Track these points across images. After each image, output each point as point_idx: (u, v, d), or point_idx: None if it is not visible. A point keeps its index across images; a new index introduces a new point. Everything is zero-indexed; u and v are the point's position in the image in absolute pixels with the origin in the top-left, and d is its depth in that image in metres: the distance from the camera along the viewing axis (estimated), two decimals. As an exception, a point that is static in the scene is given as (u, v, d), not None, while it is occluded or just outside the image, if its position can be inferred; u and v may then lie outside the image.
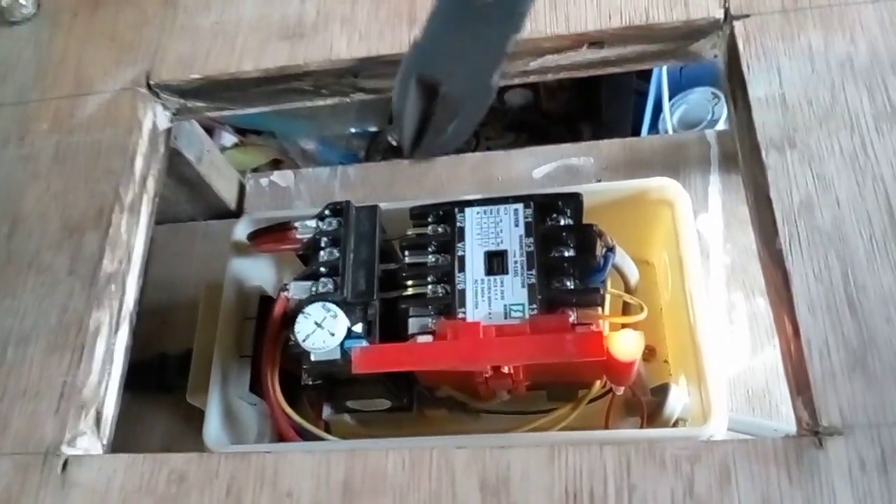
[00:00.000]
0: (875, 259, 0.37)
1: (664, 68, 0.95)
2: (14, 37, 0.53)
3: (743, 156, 0.43)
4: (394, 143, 1.30)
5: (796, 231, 0.38)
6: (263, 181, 0.79)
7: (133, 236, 0.47)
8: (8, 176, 0.48)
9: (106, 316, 0.44)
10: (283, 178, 0.78)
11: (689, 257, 0.56)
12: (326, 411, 0.59)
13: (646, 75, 1.01)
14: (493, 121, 1.29)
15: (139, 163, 0.48)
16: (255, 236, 0.57)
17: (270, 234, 0.55)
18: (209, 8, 0.51)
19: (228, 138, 1.26)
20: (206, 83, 0.50)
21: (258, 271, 0.62)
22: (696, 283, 0.55)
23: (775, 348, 0.64)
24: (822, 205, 0.39)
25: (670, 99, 0.98)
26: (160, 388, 0.68)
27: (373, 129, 1.28)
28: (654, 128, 1.00)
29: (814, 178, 0.39)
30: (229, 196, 0.76)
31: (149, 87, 0.50)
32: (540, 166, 0.73)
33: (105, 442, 0.43)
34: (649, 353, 0.64)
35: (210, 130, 1.17)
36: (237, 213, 0.77)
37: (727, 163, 0.70)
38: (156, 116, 0.50)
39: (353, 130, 1.26)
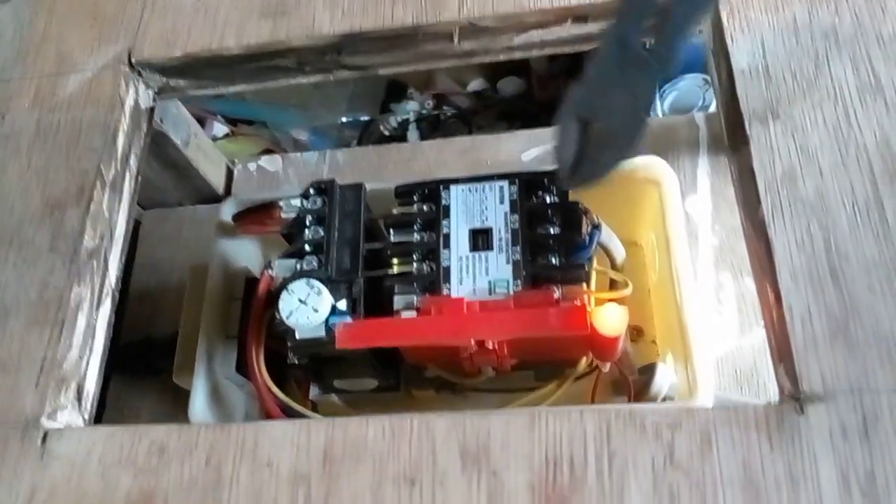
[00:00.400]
0: (858, 228, 0.37)
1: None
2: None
3: (727, 128, 0.43)
4: (386, 133, 1.30)
5: (779, 201, 0.38)
6: (251, 166, 0.78)
7: (115, 214, 0.47)
8: (-11, 153, 0.48)
9: (87, 292, 0.44)
10: (271, 162, 0.78)
11: (675, 235, 0.56)
12: (314, 392, 0.59)
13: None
14: (485, 109, 1.29)
15: (121, 140, 0.48)
16: (240, 217, 0.56)
17: (255, 214, 0.55)
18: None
19: (220, 128, 1.26)
20: (189, 61, 0.49)
21: (244, 253, 0.62)
22: (683, 260, 0.55)
23: (762, 328, 0.65)
24: (806, 175, 0.38)
25: (661, 86, 0.98)
26: (148, 370, 0.68)
27: (365, 118, 1.28)
28: (644, 115, 1.00)
29: (797, 149, 0.39)
30: (217, 181, 0.76)
31: (130, 65, 0.49)
32: (529, 149, 0.73)
33: (87, 417, 0.42)
34: (637, 334, 0.64)
35: (202, 121, 1.17)
36: (225, 198, 0.77)
37: (716, 145, 0.70)
38: (138, 95, 0.50)
39: (344, 120, 1.26)
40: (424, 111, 1.32)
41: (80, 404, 0.42)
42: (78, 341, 0.42)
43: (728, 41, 0.42)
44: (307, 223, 0.51)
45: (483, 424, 0.36)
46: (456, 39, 0.48)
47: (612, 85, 0.31)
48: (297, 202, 0.52)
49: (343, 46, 0.48)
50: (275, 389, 0.53)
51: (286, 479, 0.36)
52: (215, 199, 0.76)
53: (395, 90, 1.29)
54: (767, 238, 0.37)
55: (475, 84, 1.32)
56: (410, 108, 1.30)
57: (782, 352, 0.36)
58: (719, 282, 0.67)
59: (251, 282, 0.60)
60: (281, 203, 0.52)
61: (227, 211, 0.58)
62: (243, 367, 0.57)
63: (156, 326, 0.71)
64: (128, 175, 0.48)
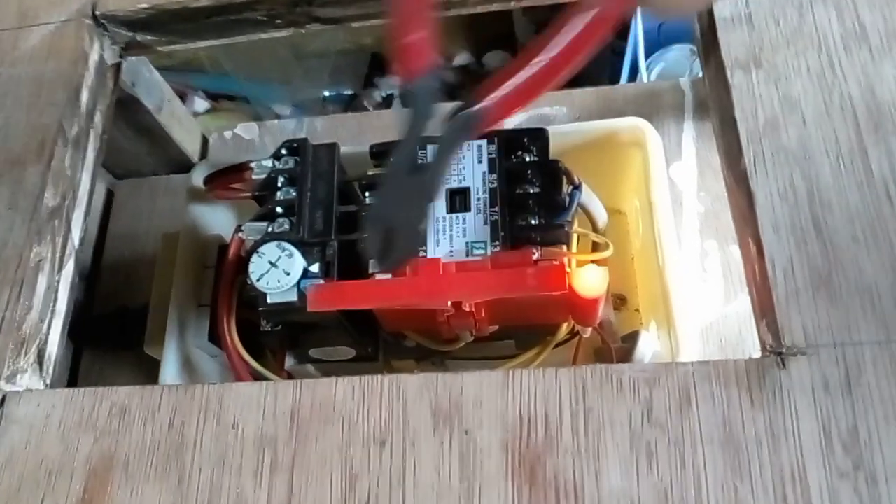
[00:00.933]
0: (841, 177, 0.36)
1: (639, 25, 0.93)
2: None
3: (709, 77, 0.41)
4: (369, 108, 1.28)
5: (761, 150, 0.37)
6: (227, 134, 0.76)
7: (78, 172, 0.45)
8: (-54, 109, 0.46)
9: (48, 251, 0.42)
10: (247, 130, 0.76)
11: (659, 200, 0.55)
12: (289, 362, 0.58)
13: (623, 33, 0.99)
14: (471, 83, 1.27)
15: (85, 96, 0.46)
16: (211, 179, 0.55)
17: (226, 176, 0.53)
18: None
19: (201, 104, 1.24)
20: (155, 13, 0.47)
21: (217, 220, 0.60)
22: (668, 227, 0.54)
23: (748, 296, 0.64)
24: (788, 124, 0.37)
25: (647, 57, 0.97)
26: (121, 343, 0.66)
27: (348, 92, 1.26)
28: (631, 85, 0.98)
29: (780, 98, 0.38)
30: (192, 149, 0.74)
31: (94, 18, 0.48)
32: (511, 116, 0.71)
33: (48, 382, 0.41)
34: (620, 302, 0.63)
35: (182, 96, 1.15)
36: (202, 168, 0.75)
37: (701, 111, 0.69)
38: (103, 50, 0.48)
39: (327, 94, 1.24)
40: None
41: (41, 368, 0.41)
42: (38, 303, 0.41)
43: (711, -11, 0.41)
44: (279, 184, 0.49)
45: (455, 383, 0.35)
46: (437, -11, 0.46)
47: (400, 198, 0.39)
48: (268, 163, 0.50)
49: (313, -1, 0.47)
50: (246, 357, 0.52)
51: (252, 441, 0.35)
52: (190, 167, 0.74)
53: (379, 64, 1.27)
54: (749, 189, 0.36)
55: (461, 58, 1.30)
56: (395, 82, 1.29)
57: (764, 306, 0.35)
58: (704, 250, 0.66)
59: (224, 249, 0.58)
60: (252, 164, 0.51)
61: (198, 175, 0.57)
62: (216, 336, 0.55)
63: (130, 298, 0.69)
64: (92, 133, 0.47)
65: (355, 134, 0.73)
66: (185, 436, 0.35)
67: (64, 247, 0.43)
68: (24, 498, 0.35)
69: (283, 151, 0.50)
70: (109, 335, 0.67)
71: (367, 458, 0.34)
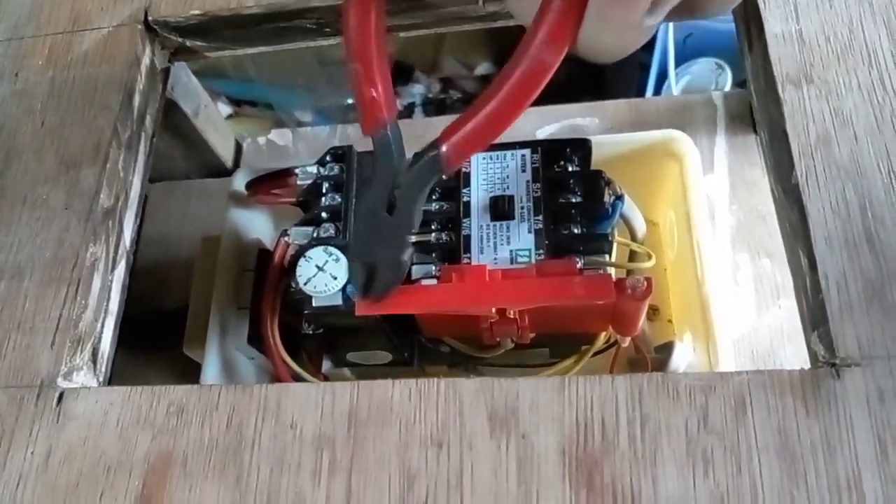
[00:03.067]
0: (893, 192, 0.36)
1: (670, 37, 0.94)
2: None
3: (757, 93, 0.42)
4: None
5: (813, 165, 0.37)
6: (261, 140, 0.77)
7: (130, 174, 0.46)
8: (3, 111, 0.47)
9: (102, 251, 0.43)
10: (280, 136, 0.77)
11: (697, 211, 0.55)
12: (326, 365, 0.58)
13: (649, 47, 1.00)
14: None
15: (137, 100, 0.47)
16: (253, 184, 0.56)
17: (270, 182, 0.54)
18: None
19: (224, 109, 1.25)
20: (206, 20, 0.48)
21: (256, 224, 0.61)
22: (705, 237, 0.55)
23: (780, 309, 0.64)
24: (840, 139, 0.38)
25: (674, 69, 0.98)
26: (155, 344, 0.67)
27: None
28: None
29: (831, 113, 0.38)
30: (226, 154, 0.75)
31: (146, 23, 0.48)
32: (542, 126, 0.72)
33: (102, 378, 0.42)
34: (653, 313, 0.63)
35: (205, 100, 1.16)
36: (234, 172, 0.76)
37: (733, 124, 0.69)
38: (154, 54, 0.49)
39: (349, 101, 1.25)
40: (431, 94, 1.31)
41: (95, 366, 0.41)
42: (93, 302, 0.42)
43: (760, 5, 0.42)
44: (324, 190, 0.50)
45: (511, 388, 0.35)
46: (482, 2, 0.47)
47: (377, 238, 0.43)
48: (313, 169, 0.51)
49: (365, 8, 0.47)
50: (288, 359, 0.53)
51: (310, 441, 0.35)
52: (224, 172, 0.75)
53: (402, 72, 1.28)
54: (801, 203, 0.37)
55: (483, 67, 1.31)
56: (417, 91, 1.29)
57: (816, 318, 0.35)
58: (736, 262, 0.67)
59: (263, 253, 0.59)
60: (297, 170, 0.51)
61: (239, 180, 0.57)
62: (255, 339, 0.56)
63: (164, 300, 0.70)
64: (143, 136, 0.47)
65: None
66: (243, 435, 0.36)
67: (117, 247, 0.44)
68: (83, 493, 0.36)
69: (328, 158, 0.51)
70: (143, 337, 0.68)
71: (424, 460, 0.34)
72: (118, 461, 0.36)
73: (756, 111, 0.43)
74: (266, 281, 0.53)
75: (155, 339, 0.68)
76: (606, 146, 0.57)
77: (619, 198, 0.49)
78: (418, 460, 0.34)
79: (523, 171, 0.49)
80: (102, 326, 0.42)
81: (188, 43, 0.50)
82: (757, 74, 0.42)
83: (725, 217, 0.67)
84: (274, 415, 0.36)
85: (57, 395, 0.38)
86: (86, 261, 0.42)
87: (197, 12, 0.48)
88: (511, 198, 0.48)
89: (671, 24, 0.86)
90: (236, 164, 0.77)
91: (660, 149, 0.57)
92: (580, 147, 0.49)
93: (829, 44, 0.40)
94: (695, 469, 0.32)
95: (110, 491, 0.36)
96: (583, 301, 0.43)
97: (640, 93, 1.00)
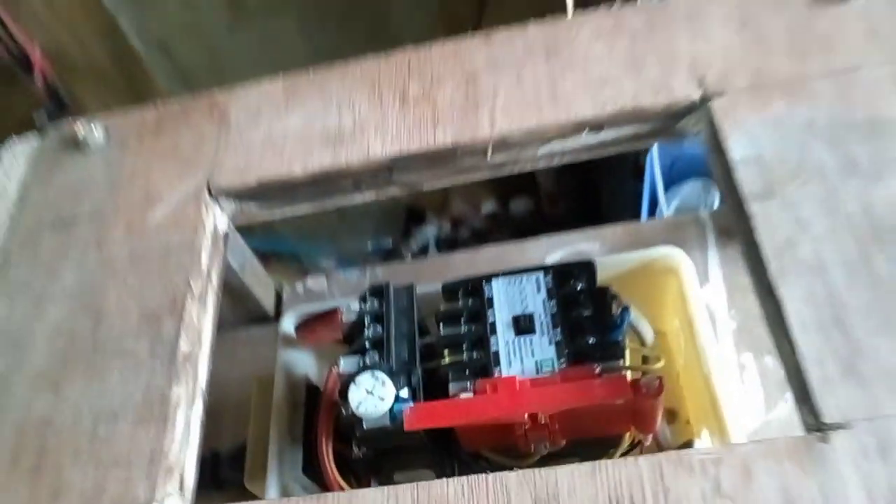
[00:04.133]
0: (853, 281, 0.43)
1: (656, 166, 1.04)
2: (89, 162, 0.61)
3: (731, 208, 0.50)
4: (407, 256, 1.38)
5: (782, 265, 0.44)
6: (298, 287, 0.85)
7: (203, 321, 0.53)
8: (91, 278, 0.55)
9: (183, 391, 0.49)
10: (316, 282, 0.85)
11: (697, 318, 0.62)
12: (373, 486, 0.63)
13: (639, 174, 1.10)
14: (498, 229, 1.38)
15: (204, 258, 0.55)
16: (302, 326, 0.63)
17: (318, 321, 0.61)
18: (258, 124, 0.59)
19: (253, 263, 1.34)
20: (260, 187, 0.57)
21: (302, 363, 0.68)
22: (708, 339, 0.61)
23: (787, 402, 0.69)
24: (803, 241, 0.45)
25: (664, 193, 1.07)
26: (214, 484, 0.72)
27: (388, 245, 1.36)
28: (651, 221, 1.07)
29: (794, 221, 0.46)
30: (268, 303, 0.82)
31: (209, 193, 0.57)
32: (551, 252, 0.80)
33: (187, 504, 0.47)
34: (671, 417, 0.69)
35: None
36: (274, 319, 0.83)
37: (723, 237, 0.77)
38: (216, 219, 0.57)
39: (370, 248, 1.34)
40: (442, 234, 1.40)
41: (182, 492, 0.47)
42: (179, 435, 0.48)
43: (723, 139, 0.50)
44: (366, 323, 0.57)
45: (551, 476, 0.41)
46: (489, 154, 0.56)
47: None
48: (356, 306, 0.58)
49: (394, 167, 0.56)
50: (342, 481, 0.58)
51: (379, 538, 0.41)
52: (265, 319, 0.83)
53: (414, 216, 1.39)
54: (776, 298, 0.43)
55: (488, 206, 1.41)
56: (429, 232, 1.39)
57: (802, 392, 0.41)
58: (741, 363, 0.72)
59: (311, 388, 0.65)
60: (342, 308, 0.59)
61: (288, 323, 0.65)
62: (308, 468, 0.61)
63: (217, 440, 0.76)
64: (210, 289, 0.55)
65: (414, 278, 0.81)
66: (320, 538, 0.41)
67: (194, 388, 0.51)
68: None
69: (368, 294, 0.59)
70: (203, 477, 0.72)
71: (480, 546, 0.39)
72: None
73: (733, 225, 0.50)
74: (318, 412, 0.59)
75: (213, 480, 0.73)
76: (609, 265, 0.65)
77: (626, 309, 0.56)
78: (475, 545, 0.39)
79: (538, 291, 0.56)
80: (186, 458, 0.48)
81: (244, 207, 0.59)
82: (729, 194, 0.50)
83: (726, 321, 0.73)
84: (346, 518, 0.42)
85: (153, 518, 0.44)
86: (171, 399, 0.48)
87: (253, 182, 0.57)
88: (531, 315, 0.55)
89: (655, 155, 0.96)
90: (277, 311, 0.84)
91: (658, 264, 0.64)
92: (586, 268, 0.57)
93: (784, 164, 0.48)
94: (714, 530, 0.37)
95: None
96: (603, 401, 0.49)
97: (636, 216, 1.09)
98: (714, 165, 0.52)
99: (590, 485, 0.40)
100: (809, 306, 0.43)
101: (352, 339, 0.58)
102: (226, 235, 0.59)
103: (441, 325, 0.57)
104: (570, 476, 0.40)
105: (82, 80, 1.20)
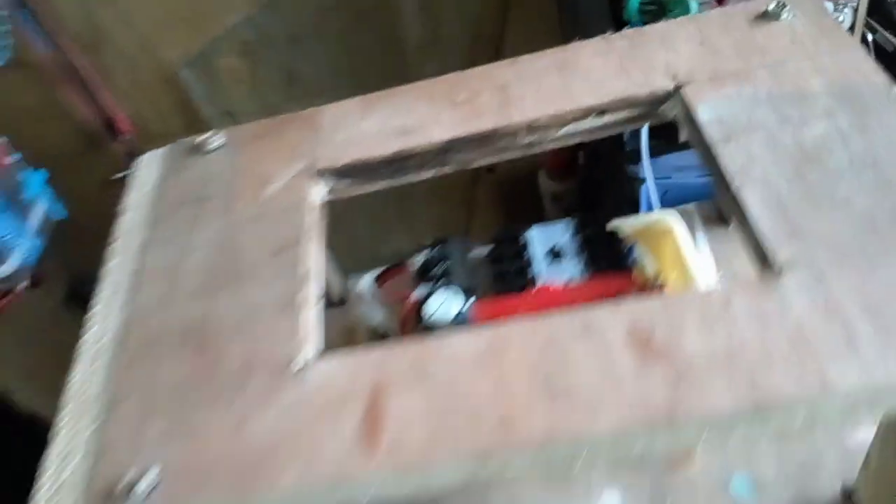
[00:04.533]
0: (791, 187, 0.61)
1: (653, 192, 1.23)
2: (212, 160, 0.80)
3: (702, 155, 0.68)
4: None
5: (742, 181, 0.63)
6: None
7: (313, 254, 0.70)
8: (224, 232, 0.71)
9: (305, 295, 0.66)
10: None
11: (692, 265, 0.79)
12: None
13: (634, 204, 1.29)
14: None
15: (311, 216, 0.72)
16: (379, 277, 0.80)
17: (392, 272, 0.79)
18: (343, 128, 0.78)
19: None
20: (349, 168, 0.75)
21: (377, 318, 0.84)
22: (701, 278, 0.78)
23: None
24: (755, 167, 0.63)
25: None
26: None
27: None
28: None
29: (747, 155, 0.65)
30: (339, 290, 0.99)
31: (311, 174, 0.76)
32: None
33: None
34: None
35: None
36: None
37: (708, 225, 0.95)
38: (317, 191, 0.76)
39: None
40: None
41: (314, 356, 0.62)
42: (308, 322, 0.64)
43: (693, 111, 0.69)
44: (433, 262, 0.74)
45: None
46: (521, 136, 0.75)
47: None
48: (423, 254, 0.76)
49: (449, 148, 0.75)
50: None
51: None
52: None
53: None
54: (739, 200, 0.61)
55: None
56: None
57: (760, 252, 0.59)
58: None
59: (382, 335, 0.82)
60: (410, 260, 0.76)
61: (366, 281, 0.82)
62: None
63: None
64: (315, 236, 0.72)
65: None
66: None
67: (312, 294, 0.67)
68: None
69: (432, 245, 0.76)
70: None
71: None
72: (345, 396, 0.57)
73: (702, 158, 0.69)
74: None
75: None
76: (615, 229, 0.83)
77: (633, 245, 0.74)
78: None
79: (565, 233, 0.74)
80: (313, 335, 0.64)
81: (337, 185, 0.77)
82: (700, 141, 0.69)
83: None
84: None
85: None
86: (295, 302, 0.65)
87: (346, 161, 0.75)
88: (560, 249, 0.73)
89: (651, 182, 1.15)
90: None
91: (656, 226, 0.82)
92: (600, 218, 0.75)
93: (737, 121, 0.67)
94: (705, 333, 0.54)
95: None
96: (618, 292, 0.66)
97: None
98: (689, 131, 0.72)
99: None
100: (762, 204, 0.61)
101: (422, 276, 0.75)
102: (323, 204, 0.77)
103: (491, 262, 0.75)
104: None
105: (159, 145, 1.40)
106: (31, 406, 1.68)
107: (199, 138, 0.81)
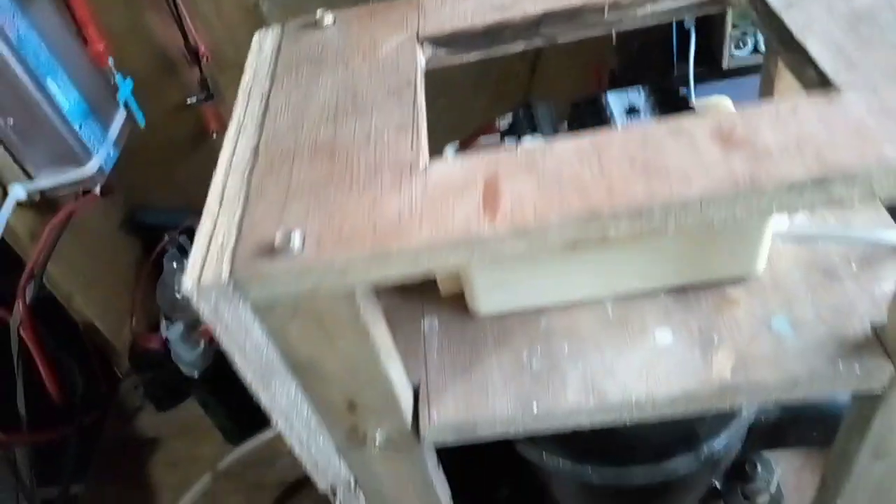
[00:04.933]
0: (846, 35, 0.71)
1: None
2: (325, 32, 0.91)
3: (766, 16, 0.79)
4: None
5: (803, 33, 0.73)
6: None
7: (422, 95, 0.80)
8: (343, 80, 0.81)
9: (418, 121, 0.76)
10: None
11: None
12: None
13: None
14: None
15: (419, 71, 0.83)
16: (465, 141, 0.90)
17: (478, 133, 0.89)
18: (445, 5, 0.89)
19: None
20: (450, 36, 0.86)
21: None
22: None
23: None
24: (814, 23, 0.74)
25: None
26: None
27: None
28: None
29: (806, 15, 0.75)
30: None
31: (417, 40, 0.86)
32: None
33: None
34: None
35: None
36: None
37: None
38: (422, 55, 0.86)
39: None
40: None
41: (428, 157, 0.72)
42: (420, 139, 0.74)
43: None
44: (520, 122, 0.84)
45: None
46: (606, 13, 0.86)
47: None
48: (509, 117, 0.86)
49: (541, 22, 0.86)
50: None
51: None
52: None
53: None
54: (803, 47, 0.72)
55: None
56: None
57: (820, 75, 0.69)
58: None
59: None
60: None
61: (450, 149, 0.92)
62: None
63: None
64: (421, 85, 0.82)
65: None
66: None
67: (423, 121, 0.77)
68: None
69: (519, 108, 0.87)
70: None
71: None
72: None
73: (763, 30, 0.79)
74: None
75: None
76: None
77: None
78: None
79: (639, 95, 0.85)
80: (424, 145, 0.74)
81: (438, 52, 0.88)
82: (764, 13, 0.79)
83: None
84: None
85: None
86: (411, 127, 0.75)
87: (447, 30, 0.86)
88: (636, 106, 0.83)
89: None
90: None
91: (711, 104, 0.92)
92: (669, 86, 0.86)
93: (798, -8, 0.78)
94: (777, 132, 0.64)
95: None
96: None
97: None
98: (758, 11, 0.82)
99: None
100: (822, 47, 0.71)
101: (509, 133, 0.86)
102: (425, 64, 0.87)
103: (574, 120, 0.85)
104: (686, 123, 0.67)
105: (230, 75, 1.51)
106: (85, 315, 1.77)
107: (312, 17, 0.92)
